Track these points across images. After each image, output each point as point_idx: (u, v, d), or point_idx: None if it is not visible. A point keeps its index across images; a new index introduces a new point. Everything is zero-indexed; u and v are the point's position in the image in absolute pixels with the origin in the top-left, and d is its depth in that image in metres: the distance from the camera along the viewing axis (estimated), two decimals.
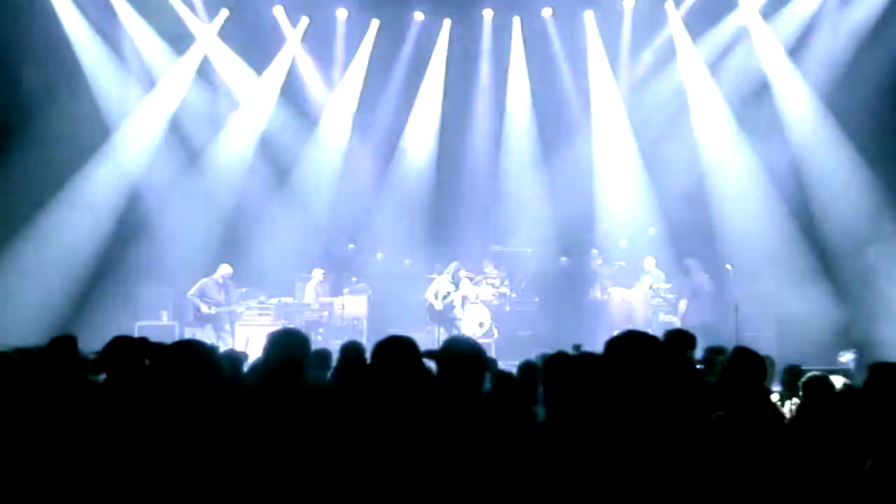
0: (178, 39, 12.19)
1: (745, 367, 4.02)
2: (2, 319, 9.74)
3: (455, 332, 10.60)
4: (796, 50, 11.57)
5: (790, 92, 11.56)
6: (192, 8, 12.29)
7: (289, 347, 3.04)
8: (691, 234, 11.86)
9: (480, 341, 11.68)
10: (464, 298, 11.37)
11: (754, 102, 11.80)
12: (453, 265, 11.53)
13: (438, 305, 11.25)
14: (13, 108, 10.73)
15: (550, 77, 13.20)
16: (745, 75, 11.96)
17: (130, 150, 11.84)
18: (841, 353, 8.91)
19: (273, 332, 3.16)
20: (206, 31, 12.44)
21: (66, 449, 2.74)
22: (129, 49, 11.92)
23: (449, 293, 11.17)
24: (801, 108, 11.44)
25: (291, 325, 10.12)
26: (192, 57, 12.40)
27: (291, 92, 13.17)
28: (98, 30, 11.57)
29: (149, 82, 12.17)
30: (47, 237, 10.85)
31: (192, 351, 2.89)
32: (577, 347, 8.28)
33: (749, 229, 11.32)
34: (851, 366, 8.47)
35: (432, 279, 12.15)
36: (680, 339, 4.73)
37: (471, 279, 11.88)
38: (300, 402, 2.88)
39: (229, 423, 2.71)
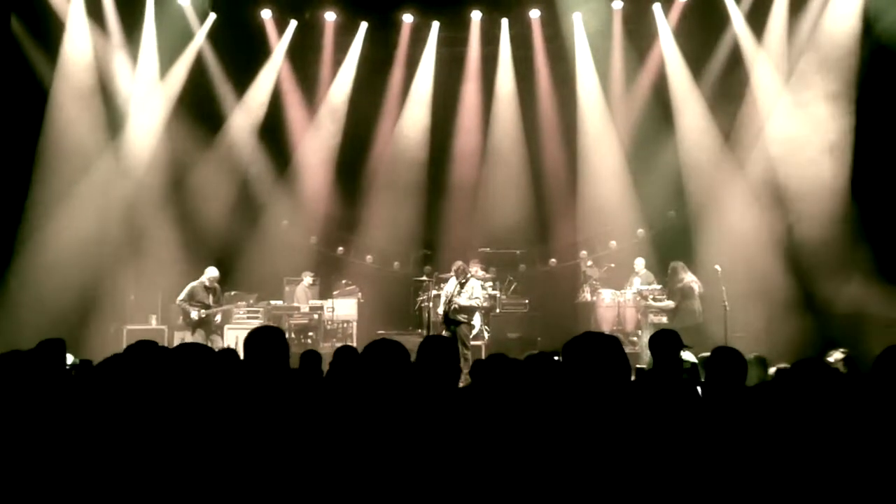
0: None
1: (725, 366, 4.04)
2: None
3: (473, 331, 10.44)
4: (782, 53, 11.62)
5: (771, 97, 11.60)
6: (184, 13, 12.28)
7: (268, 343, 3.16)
8: (680, 235, 11.90)
9: (473, 344, 11.44)
10: (473, 290, 10.37)
11: (737, 105, 11.84)
12: (458, 264, 10.63)
13: (442, 308, 10.50)
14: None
15: (538, 79, 13.21)
16: (729, 79, 12.00)
17: (126, 155, 11.81)
18: (830, 353, 8.92)
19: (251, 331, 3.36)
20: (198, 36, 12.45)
21: (56, 453, 2.71)
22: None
23: (453, 296, 10.37)
24: (781, 111, 11.45)
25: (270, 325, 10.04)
26: (186, 60, 12.41)
27: (279, 96, 13.13)
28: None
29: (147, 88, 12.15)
30: (42, 242, 10.79)
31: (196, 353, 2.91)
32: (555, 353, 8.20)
33: (736, 230, 11.34)
34: (840, 365, 8.47)
35: (422, 281, 12.13)
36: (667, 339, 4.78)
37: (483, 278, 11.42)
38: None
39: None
